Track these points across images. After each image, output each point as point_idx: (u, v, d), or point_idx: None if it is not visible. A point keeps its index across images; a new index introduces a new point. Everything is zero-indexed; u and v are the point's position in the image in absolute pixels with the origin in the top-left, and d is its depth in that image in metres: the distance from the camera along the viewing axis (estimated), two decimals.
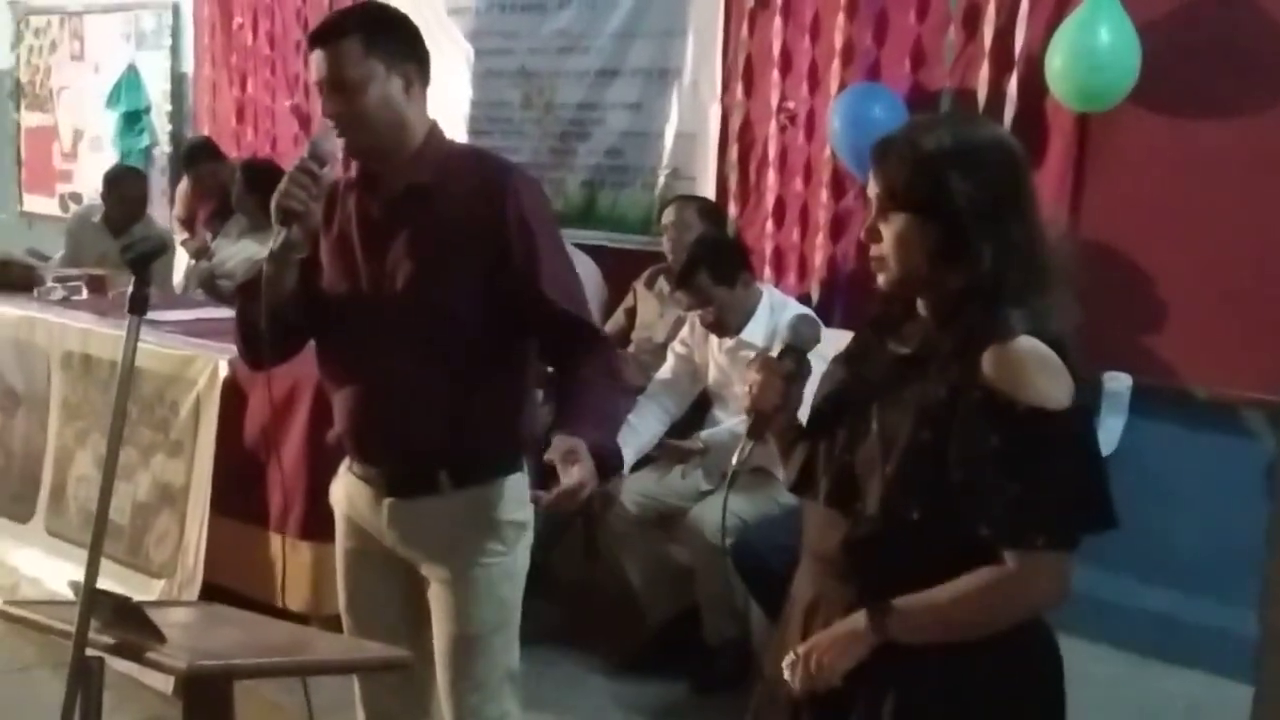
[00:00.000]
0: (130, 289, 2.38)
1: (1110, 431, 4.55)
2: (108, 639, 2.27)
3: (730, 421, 4.30)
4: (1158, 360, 4.54)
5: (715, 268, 4.29)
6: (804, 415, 2.29)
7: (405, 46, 2.68)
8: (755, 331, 4.26)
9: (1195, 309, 4.46)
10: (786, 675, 2.10)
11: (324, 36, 2.63)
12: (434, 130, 2.75)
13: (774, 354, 2.34)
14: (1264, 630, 2.10)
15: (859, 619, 2.01)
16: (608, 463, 2.92)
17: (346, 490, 2.87)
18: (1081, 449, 1.99)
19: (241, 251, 6.04)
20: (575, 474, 2.49)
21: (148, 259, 2.43)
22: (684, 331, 4.59)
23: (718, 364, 4.44)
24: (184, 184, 7.15)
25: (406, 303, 2.68)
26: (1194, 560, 4.36)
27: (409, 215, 2.69)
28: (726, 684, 4.07)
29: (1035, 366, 1.94)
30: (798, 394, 2.24)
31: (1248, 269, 4.14)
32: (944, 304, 2.03)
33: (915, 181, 2.01)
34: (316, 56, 2.63)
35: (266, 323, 2.64)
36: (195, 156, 6.94)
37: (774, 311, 4.28)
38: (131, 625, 2.27)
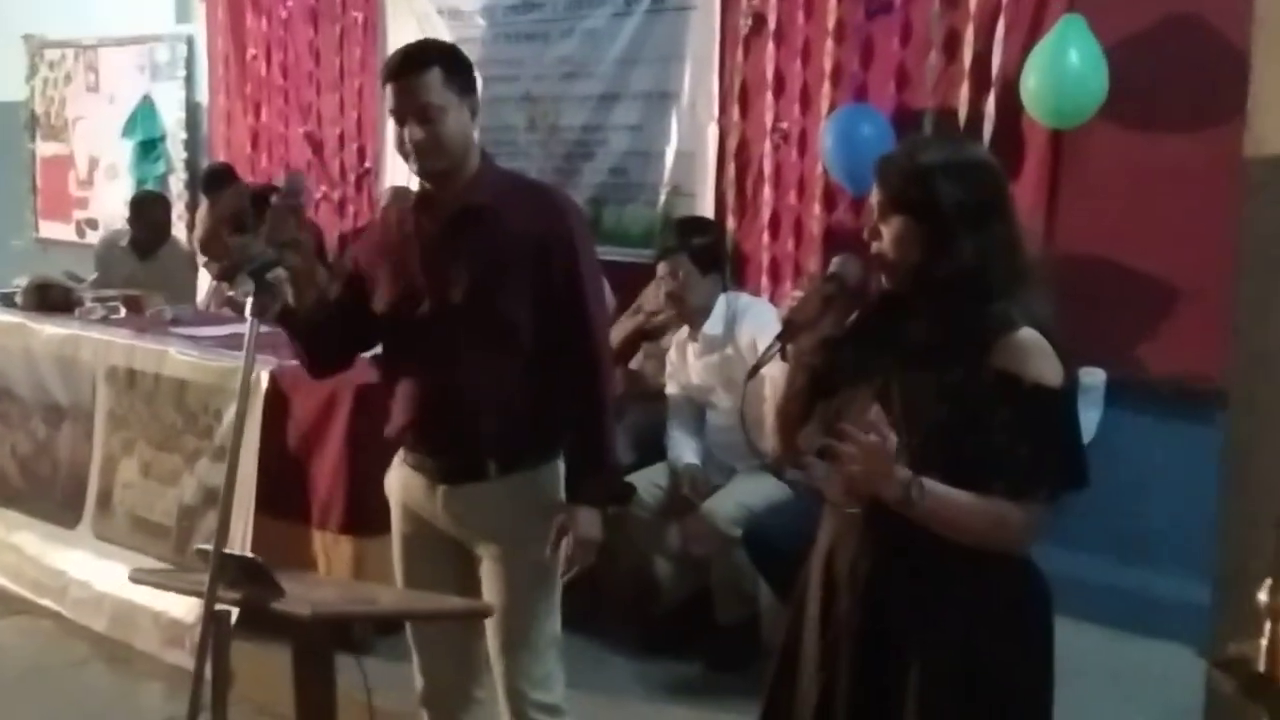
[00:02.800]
0: (251, 297, 2.53)
1: (1087, 422, 4.33)
2: (234, 594, 2.39)
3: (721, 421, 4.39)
4: (1129, 356, 4.60)
5: (697, 254, 4.41)
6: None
7: (470, 80, 2.80)
8: (715, 324, 4.36)
9: (1161, 308, 4.54)
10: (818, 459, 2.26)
11: (407, 68, 2.73)
12: (486, 156, 2.87)
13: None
14: (1214, 594, 2.33)
15: (903, 472, 2.13)
16: (614, 495, 3.00)
17: (402, 480, 2.97)
18: (1071, 420, 2.24)
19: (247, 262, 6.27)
20: (564, 552, 2.79)
21: (265, 269, 2.55)
22: (669, 366, 4.62)
23: (699, 375, 4.47)
24: (203, 208, 7.12)
25: (463, 312, 2.79)
26: (1164, 540, 4.43)
27: (466, 233, 2.79)
28: (737, 663, 4.07)
29: (1037, 352, 2.17)
30: (831, 319, 2.39)
31: (1209, 270, 4.14)
32: (935, 295, 2.23)
33: (910, 188, 2.24)
34: (399, 87, 2.73)
35: (305, 342, 2.85)
36: (215, 181, 6.93)
37: (731, 311, 4.36)
38: (256, 582, 2.40)
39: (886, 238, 2.27)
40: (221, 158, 7.88)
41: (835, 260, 2.50)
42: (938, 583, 2.24)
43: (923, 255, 2.23)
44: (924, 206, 2.23)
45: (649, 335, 5.21)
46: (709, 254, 4.52)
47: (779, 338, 2.42)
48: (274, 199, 2.74)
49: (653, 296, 5.14)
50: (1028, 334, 2.18)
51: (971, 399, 2.18)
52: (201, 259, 6.97)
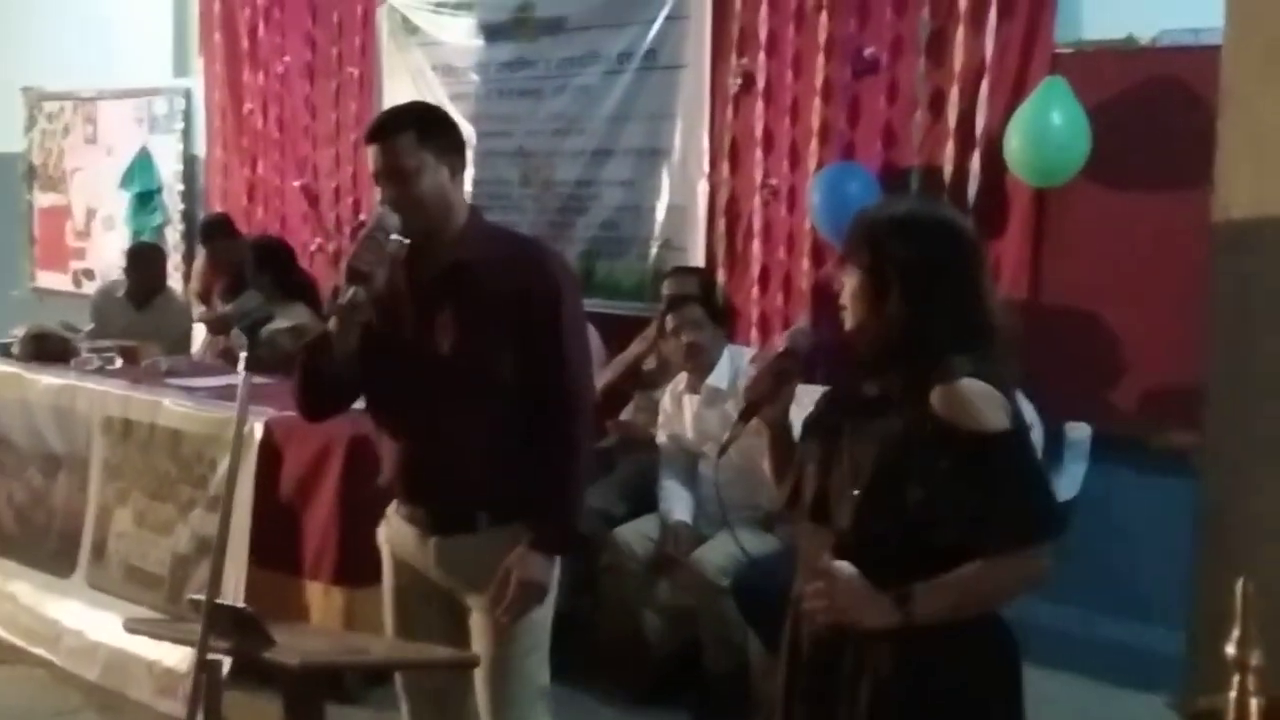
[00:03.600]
0: (244, 351, 2.58)
1: (1072, 477, 4.59)
2: (226, 644, 2.39)
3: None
4: (1114, 411, 4.62)
5: (707, 304, 4.51)
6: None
7: (450, 139, 2.85)
8: (720, 377, 4.42)
9: (1145, 363, 4.55)
10: (808, 598, 2.25)
11: (381, 132, 2.80)
12: (474, 211, 2.91)
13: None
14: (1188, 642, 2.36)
15: (887, 604, 2.15)
16: (565, 543, 2.94)
17: (395, 532, 2.97)
18: (1022, 462, 2.25)
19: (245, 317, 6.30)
20: (505, 601, 2.74)
21: (258, 325, 2.63)
22: (664, 408, 4.66)
23: (696, 425, 4.51)
24: (200, 259, 7.16)
25: (450, 364, 2.80)
26: (1149, 592, 4.41)
27: (454, 287, 2.81)
28: (726, 714, 4.11)
29: (974, 399, 2.18)
30: (787, 392, 2.44)
31: (1192, 327, 3.99)
32: (887, 347, 2.27)
33: (862, 246, 2.30)
34: (374, 150, 2.79)
35: (325, 377, 2.81)
36: (212, 232, 6.93)
37: (735, 366, 4.41)
38: (247, 632, 2.40)
39: (846, 291, 2.34)
40: (218, 209, 7.86)
41: (786, 334, 2.56)
42: (904, 645, 2.23)
43: (873, 311, 2.28)
44: (873, 262, 2.28)
45: (641, 384, 5.24)
46: (716, 307, 4.62)
47: (741, 416, 2.48)
48: (366, 228, 2.78)
49: (638, 346, 5.23)
50: (965, 383, 2.19)
51: (913, 448, 2.21)
52: (198, 309, 6.99)
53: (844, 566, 2.19)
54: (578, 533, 3.09)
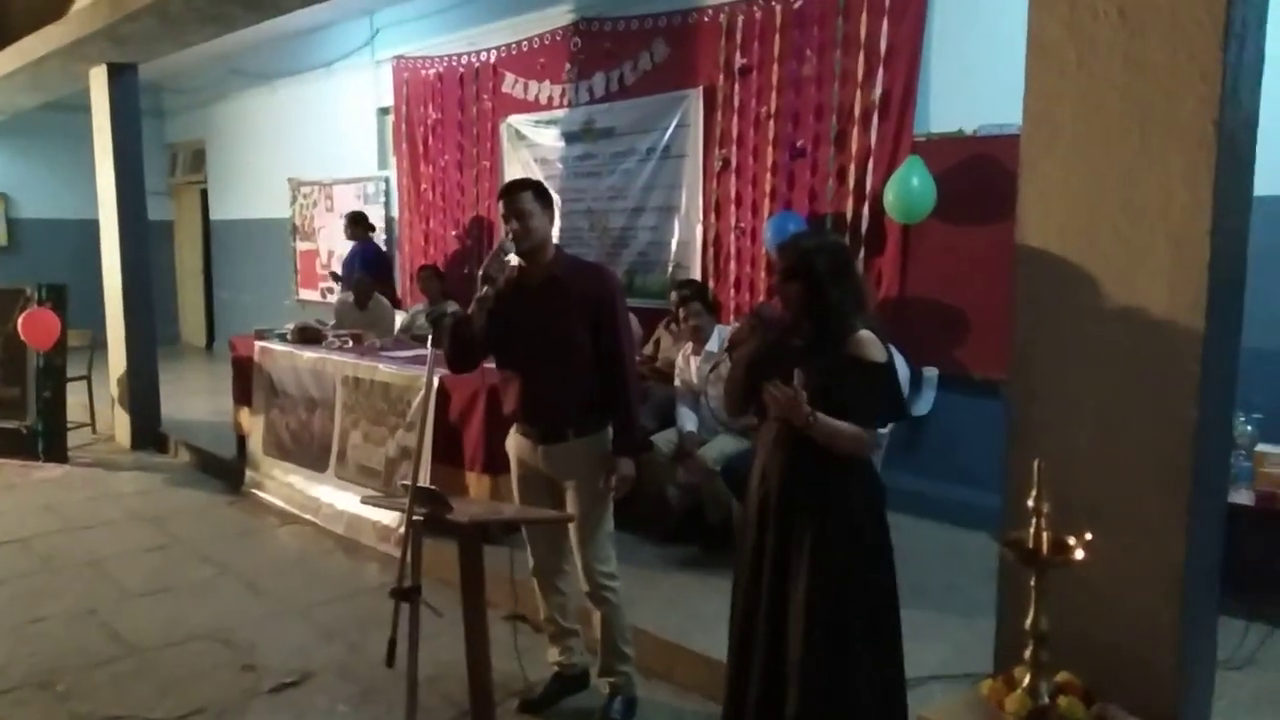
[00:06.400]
0: (431, 335, 2.59)
1: (927, 400, 4.65)
2: (422, 510, 2.41)
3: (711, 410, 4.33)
4: (952, 359, 4.64)
5: (704, 301, 4.44)
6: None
7: (548, 200, 2.82)
8: (713, 344, 4.34)
9: (974, 331, 4.58)
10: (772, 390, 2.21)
11: (511, 189, 2.79)
12: (559, 247, 2.88)
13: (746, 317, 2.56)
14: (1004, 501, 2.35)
15: (806, 408, 2.18)
16: (640, 449, 2.94)
17: (515, 442, 2.97)
18: (894, 380, 2.30)
19: (420, 317, 6.29)
20: (615, 482, 2.78)
21: (441, 318, 2.66)
22: (678, 364, 4.56)
23: (699, 374, 4.43)
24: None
25: (550, 338, 2.80)
26: (976, 468, 4.43)
27: (549, 293, 2.80)
28: (719, 547, 4.12)
29: (869, 343, 2.24)
30: (755, 339, 2.43)
31: (1000, 308, 4.11)
32: (815, 318, 2.29)
33: (799, 263, 2.29)
34: (505, 201, 2.77)
35: (466, 342, 2.77)
36: (423, 273, 6.65)
37: (722, 338, 4.31)
38: (435, 502, 2.42)
39: (786, 293, 2.32)
40: (405, 252, 7.88)
41: (757, 305, 2.62)
42: (823, 476, 2.27)
43: (806, 300, 2.29)
44: (808, 274, 2.28)
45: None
46: (710, 302, 4.56)
47: (726, 350, 2.51)
48: (493, 250, 2.74)
49: (665, 331, 5.17)
50: (864, 334, 2.25)
51: (835, 373, 2.24)
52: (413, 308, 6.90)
53: (791, 388, 2.20)
54: (644, 440, 3.06)
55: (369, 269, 7.04)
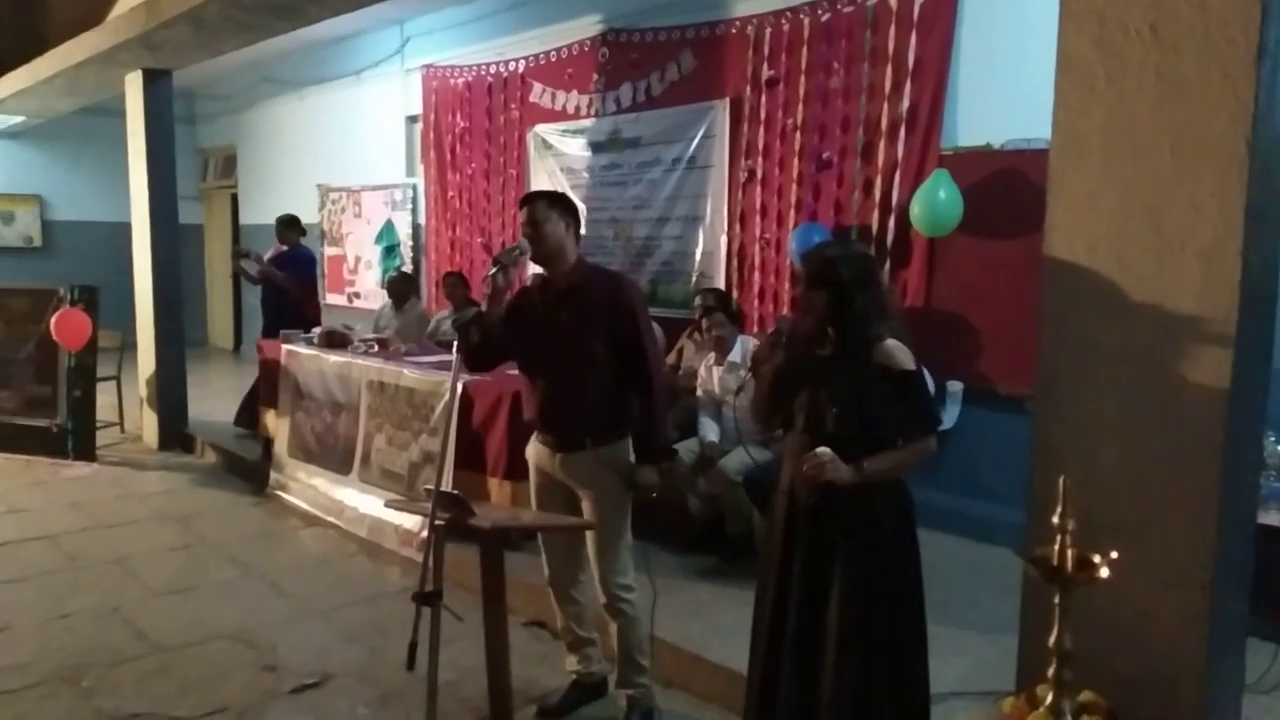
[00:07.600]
0: (456, 341, 2.61)
1: (951, 414, 4.62)
2: (445, 515, 2.41)
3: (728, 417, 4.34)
4: (977, 373, 4.62)
5: (727, 311, 4.43)
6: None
7: (568, 208, 2.85)
8: (735, 355, 4.33)
9: (999, 345, 4.55)
10: (806, 467, 2.19)
11: (529, 199, 2.84)
12: (580, 256, 2.89)
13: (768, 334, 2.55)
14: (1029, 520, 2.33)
15: (844, 468, 2.17)
16: (662, 457, 2.92)
17: (535, 450, 2.96)
18: (926, 389, 2.29)
19: (447, 322, 6.28)
20: (640, 484, 2.78)
21: (468, 325, 2.67)
22: (700, 374, 4.55)
23: (720, 383, 4.42)
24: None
25: (569, 346, 2.80)
26: (1000, 484, 4.43)
27: (570, 301, 2.81)
28: (740, 557, 4.11)
29: (897, 351, 2.22)
30: (778, 355, 2.42)
31: (1026, 323, 3.97)
32: (840, 327, 2.28)
33: (824, 271, 2.29)
34: (526, 210, 2.81)
35: (479, 337, 2.75)
36: (449, 280, 6.60)
37: (744, 349, 4.31)
38: (457, 507, 2.43)
39: (811, 300, 2.32)
40: (431, 259, 7.92)
41: (778, 320, 2.60)
42: (854, 491, 2.24)
43: (831, 309, 2.28)
44: (832, 282, 2.27)
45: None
46: (733, 311, 4.57)
47: (749, 370, 2.51)
48: (510, 246, 2.78)
49: (688, 340, 5.15)
50: (891, 342, 2.23)
51: (865, 383, 2.22)
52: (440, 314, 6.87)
53: (824, 450, 2.19)
54: (667, 449, 3.06)
55: (299, 274, 6.83)
